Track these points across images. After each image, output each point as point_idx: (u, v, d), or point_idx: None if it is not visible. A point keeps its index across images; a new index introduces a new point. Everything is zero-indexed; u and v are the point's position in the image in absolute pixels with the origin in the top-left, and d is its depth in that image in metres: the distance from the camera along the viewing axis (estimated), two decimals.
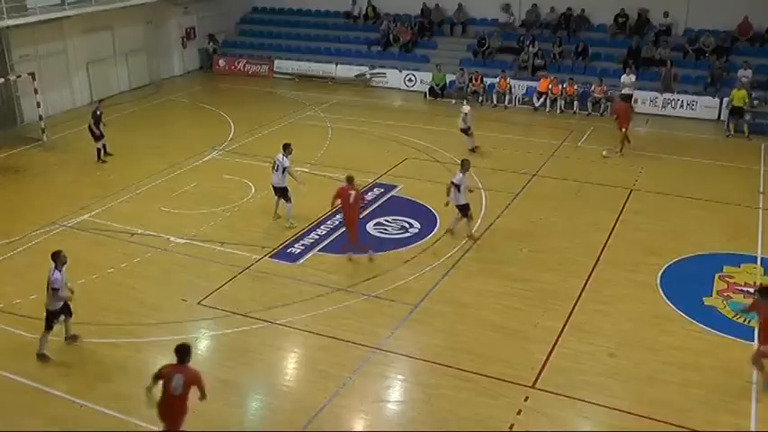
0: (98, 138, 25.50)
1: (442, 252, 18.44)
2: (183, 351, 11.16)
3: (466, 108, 26.11)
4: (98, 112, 25.52)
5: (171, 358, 14.52)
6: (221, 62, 39.75)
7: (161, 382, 11.08)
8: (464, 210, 18.88)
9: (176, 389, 10.98)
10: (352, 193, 17.80)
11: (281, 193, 20.15)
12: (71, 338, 15.01)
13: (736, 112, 28.52)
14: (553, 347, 14.57)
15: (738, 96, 28.51)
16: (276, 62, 38.62)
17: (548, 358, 14.24)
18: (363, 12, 39.92)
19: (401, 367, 14.12)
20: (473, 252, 18.49)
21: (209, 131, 28.62)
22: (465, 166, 18.78)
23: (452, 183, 18.58)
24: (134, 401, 13.12)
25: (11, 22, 28.22)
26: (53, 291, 14.15)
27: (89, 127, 25.56)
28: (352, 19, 40.14)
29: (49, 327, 14.41)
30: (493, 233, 19.61)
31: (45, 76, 30.60)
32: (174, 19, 38.85)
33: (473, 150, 25.61)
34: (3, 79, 28.25)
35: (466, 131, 25.84)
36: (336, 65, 37.21)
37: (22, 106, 30.44)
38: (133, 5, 34.33)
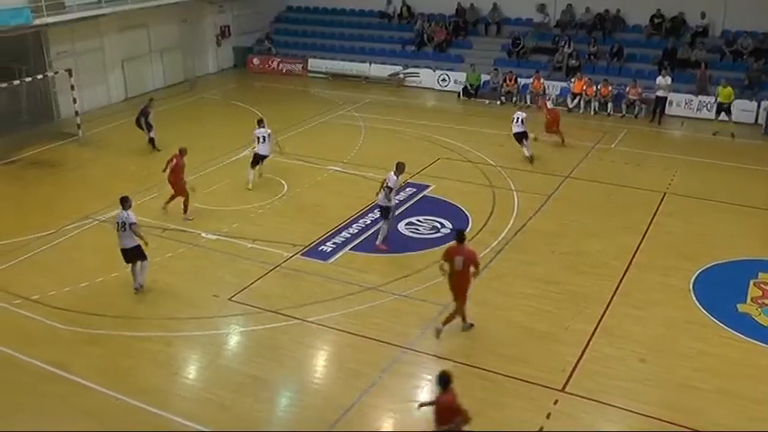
0: (149, 129, 26.39)
1: None
2: (460, 235, 14.65)
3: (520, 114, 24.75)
4: (148, 109, 26.27)
5: (202, 353, 14.79)
6: (255, 60, 39.96)
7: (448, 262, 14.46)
8: (386, 212, 18.68)
9: (458, 266, 14.33)
10: (175, 160, 20.73)
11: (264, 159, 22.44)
12: (139, 288, 16.84)
13: (721, 110, 28.75)
14: (584, 351, 14.49)
15: (725, 93, 28.55)
16: (310, 61, 38.74)
17: (578, 362, 14.17)
18: (398, 11, 39.94)
19: (430, 367, 14.07)
20: (505, 253, 18.43)
21: (243, 129, 28.60)
22: (400, 168, 18.36)
23: (387, 186, 18.21)
24: (165, 395, 13.36)
25: (49, 20, 28.66)
26: (131, 226, 16.20)
27: (137, 121, 26.28)
28: (387, 18, 40.17)
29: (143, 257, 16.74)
30: (525, 235, 19.53)
31: (81, 73, 30.96)
32: (209, 17, 39.14)
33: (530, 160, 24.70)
34: (41, 75, 28.70)
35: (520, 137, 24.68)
36: (370, 64, 37.26)
37: (59, 102, 30.88)
38: (168, 4, 34.65)
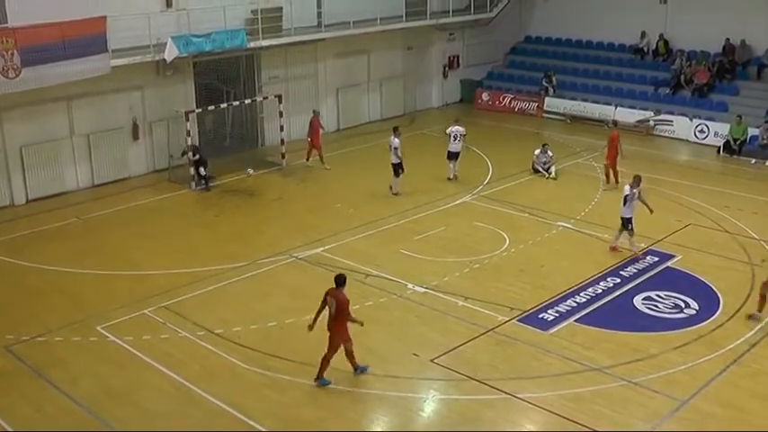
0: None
1: (722, 342, 17.64)
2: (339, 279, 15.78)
3: (457, 128, 28.64)
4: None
5: (394, 416, 15.11)
6: (485, 96, 40.75)
7: None
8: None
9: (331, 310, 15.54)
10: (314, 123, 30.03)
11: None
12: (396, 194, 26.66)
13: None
14: None
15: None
16: (547, 100, 39.03)
17: None
18: (653, 46, 39.37)
19: None
20: (762, 348, 17.44)
21: (464, 172, 29.25)
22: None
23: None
24: None
25: (265, 43, 30.94)
26: (395, 150, 26.12)
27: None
28: (640, 55, 39.72)
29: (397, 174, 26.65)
30: None
31: (292, 100, 33.03)
32: (437, 46, 40.44)
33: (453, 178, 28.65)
34: (249, 100, 30.85)
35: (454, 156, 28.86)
36: (616, 107, 36.89)
37: (265, 128, 33.14)
38: (394, 30, 36.24)
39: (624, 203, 21.66)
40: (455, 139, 28.62)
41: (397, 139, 26.46)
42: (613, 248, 22.20)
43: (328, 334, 15.57)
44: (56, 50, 24.29)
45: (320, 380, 15.70)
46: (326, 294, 15.58)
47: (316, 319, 15.67)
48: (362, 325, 15.82)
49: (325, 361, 15.61)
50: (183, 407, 15.19)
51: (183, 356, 16.91)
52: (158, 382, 16.03)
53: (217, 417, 14.78)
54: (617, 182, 27.68)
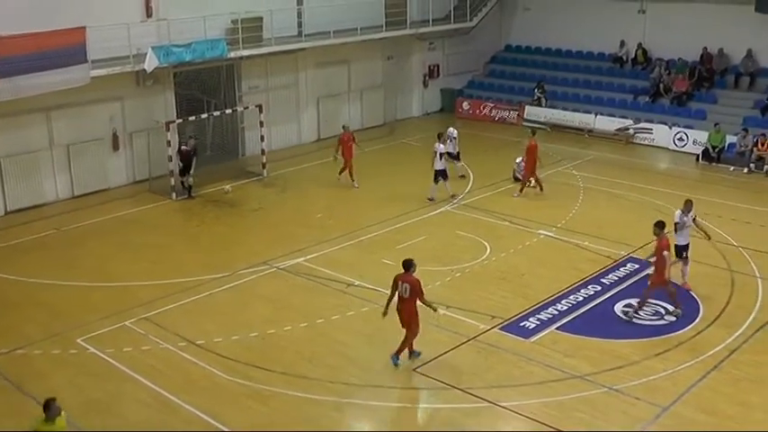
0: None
1: (702, 348, 17.71)
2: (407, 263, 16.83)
3: (451, 130, 29.80)
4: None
5: (375, 426, 15.07)
6: (465, 105, 40.82)
7: None
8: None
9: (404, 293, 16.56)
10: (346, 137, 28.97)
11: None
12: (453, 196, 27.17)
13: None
14: None
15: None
16: (527, 108, 39.11)
17: None
18: (632, 55, 39.62)
19: None
20: (741, 353, 17.55)
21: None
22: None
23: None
24: None
25: (245, 53, 30.92)
26: (440, 156, 26.41)
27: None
28: (619, 63, 39.95)
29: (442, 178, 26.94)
30: None
31: (272, 110, 32.98)
32: (418, 55, 40.50)
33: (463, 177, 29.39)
34: (230, 110, 30.78)
35: (455, 157, 29.71)
36: (596, 115, 37.03)
37: (246, 139, 32.96)
38: (374, 39, 36.25)
39: (675, 231, 20.31)
40: (450, 140, 29.13)
41: (441, 146, 26.89)
42: (685, 285, 20.52)
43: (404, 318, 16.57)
44: (34, 61, 24.07)
45: (412, 354, 16.91)
46: (396, 280, 16.51)
47: (388, 306, 16.70)
48: (435, 311, 16.96)
49: (407, 343, 16.71)
50: (165, 418, 15.13)
51: (164, 368, 16.85)
52: (139, 393, 15.96)
53: (198, 427, 14.74)
54: (525, 188, 28.03)
